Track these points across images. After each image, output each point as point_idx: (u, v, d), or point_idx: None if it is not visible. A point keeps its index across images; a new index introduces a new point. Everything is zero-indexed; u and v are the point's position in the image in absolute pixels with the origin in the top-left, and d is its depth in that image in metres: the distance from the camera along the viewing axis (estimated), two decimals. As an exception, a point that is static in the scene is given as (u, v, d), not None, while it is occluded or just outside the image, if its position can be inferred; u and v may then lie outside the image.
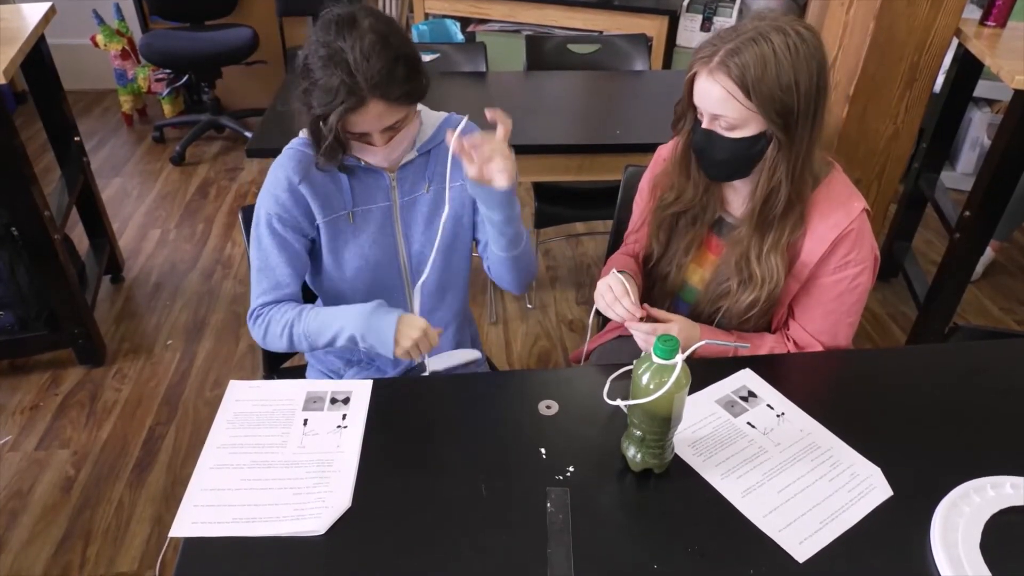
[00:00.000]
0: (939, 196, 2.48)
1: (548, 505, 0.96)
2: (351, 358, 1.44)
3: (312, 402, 1.13)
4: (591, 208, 2.49)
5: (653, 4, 3.47)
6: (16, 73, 1.99)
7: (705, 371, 1.17)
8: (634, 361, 0.98)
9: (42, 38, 2.24)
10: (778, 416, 1.11)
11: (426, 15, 3.61)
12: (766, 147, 1.13)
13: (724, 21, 3.61)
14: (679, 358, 0.92)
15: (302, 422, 1.09)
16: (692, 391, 1.02)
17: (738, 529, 0.94)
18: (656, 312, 1.26)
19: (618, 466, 1.02)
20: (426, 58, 2.38)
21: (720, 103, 1.10)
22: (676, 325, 1.25)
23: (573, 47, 2.68)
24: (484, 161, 1.13)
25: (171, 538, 0.91)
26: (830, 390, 1.24)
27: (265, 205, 1.25)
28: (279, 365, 1.61)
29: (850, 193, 1.21)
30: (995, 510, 0.96)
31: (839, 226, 1.18)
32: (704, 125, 1.16)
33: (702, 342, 1.11)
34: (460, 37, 3.16)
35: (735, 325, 1.31)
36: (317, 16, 1.11)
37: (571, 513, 0.95)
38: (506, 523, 0.94)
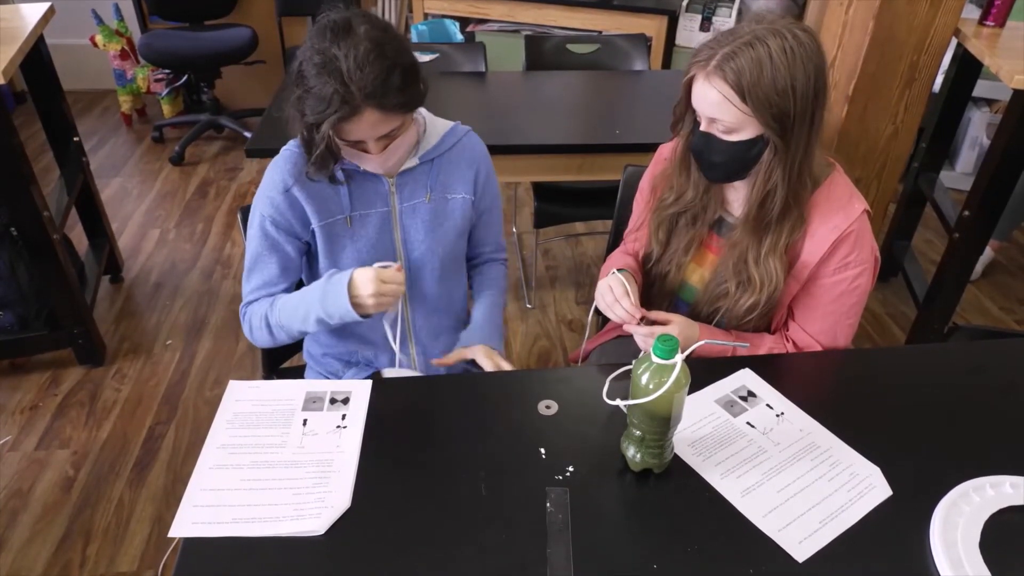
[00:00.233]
0: (938, 195, 2.48)
1: (548, 505, 0.96)
2: (350, 359, 1.44)
3: (312, 402, 1.13)
4: (591, 208, 2.48)
5: (652, 4, 3.47)
6: (15, 73, 1.99)
7: (704, 371, 1.17)
8: (633, 361, 0.98)
9: (41, 38, 2.24)
10: (777, 416, 1.11)
11: (425, 15, 3.61)
12: (763, 150, 1.13)
13: (723, 21, 3.61)
14: (678, 358, 0.92)
15: (302, 422, 1.09)
16: (691, 391, 1.02)
17: (738, 529, 0.94)
18: (655, 315, 1.26)
19: (618, 466, 1.02)
20: (425, 58, 2.38)
21: (716, 107, 1.10)
22: (676, 326, 1.25)
23: (572, 47, 2.68)
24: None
25: (172, 540, 0.91)
26: (829, 390, 1.24)
27: (260, 206, 1.25)
28: (278, 365, 1.61)
29: (851, 194, 1.21)
30: (994, 509, 0.96)
31: (839, 227, 1.18)
32: (702, 128, 1.16)
33: (701, 342, 1.11)
34: (459, 37, 3.16)
35: (735, 327, 1.31)
36: (316, 16, 1.11)
37: (571, 513, 0.95)
38: (506, 523, 0.94)
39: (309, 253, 1.32)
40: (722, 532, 0.93)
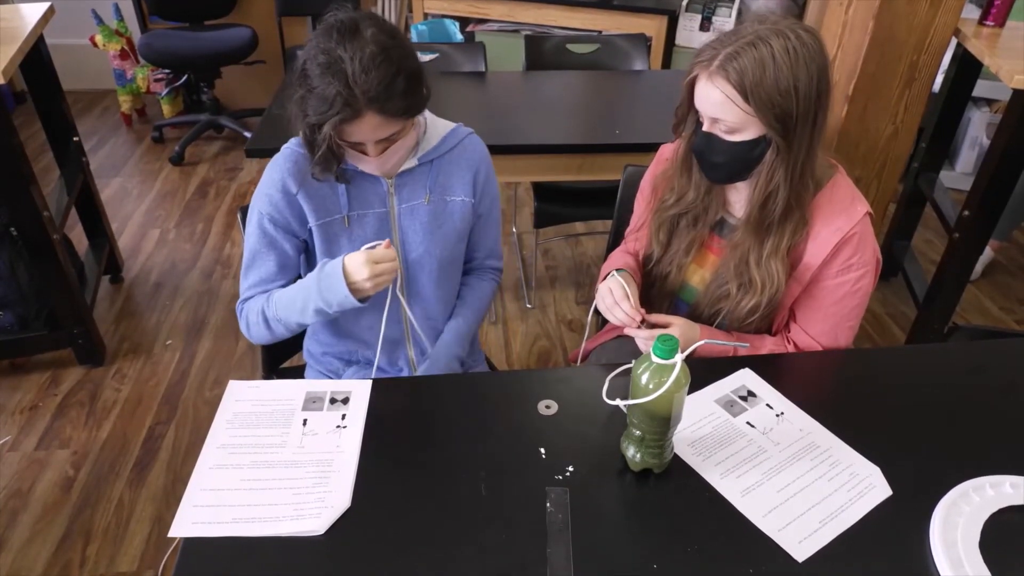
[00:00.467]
0: (938, 195, 2.48)
1: (548, 505, 0.96)
2: (350, 358, 1.44)
3: (311, 402, 1.13)
4: (590, 208, 2.48)
5: (652, 4, 3.47)
6: (15, 73, 1.99)
7: (704, 371, 1.17)
8: (633, 361, 0.98)
9: (41, 38, 2.24)
10: (777, 416, 1.11)
11: (425, 15, 3.60)
12: (766, 150, 1.13)
13: (723, 21, 3.61)
14: (678, 358, 0.92)
15: (301, 422, 1.09)
16: (691, 391, 1.02)
17: (737, 529, 0.94)
18: (655, 317, 1.26)
19: (618, 466, 1.02)
20: (425, 58, 2.38)
21: (719, 107, 1.10)
22: (677, 328, 1.25)
23: (572, 47, 2.68)
24: None
25: (172, 540, 0.91)
26: (829, 390, 1.24)
27: (258, 203, 1.25)
28: (279, 365, 1.61)
29: (853, 197, 1.21)
30: (994, 509, 0.96)
31: (842, 230, 1.18)
32: (704, 128, 1.16)
33: (701, 342, 1.11)
34: (459, 37, 3.16)
35: (736, 328, 1.31)
36: (316, 16, 1.11)
37: (571, 513, 0.95)
38: (506, 523, 0.94)
39: (307, 251, 1.32)
40: (722, 532, 0.93)
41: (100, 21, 3.69)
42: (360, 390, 1.15)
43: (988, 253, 2.88)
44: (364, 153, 1.16)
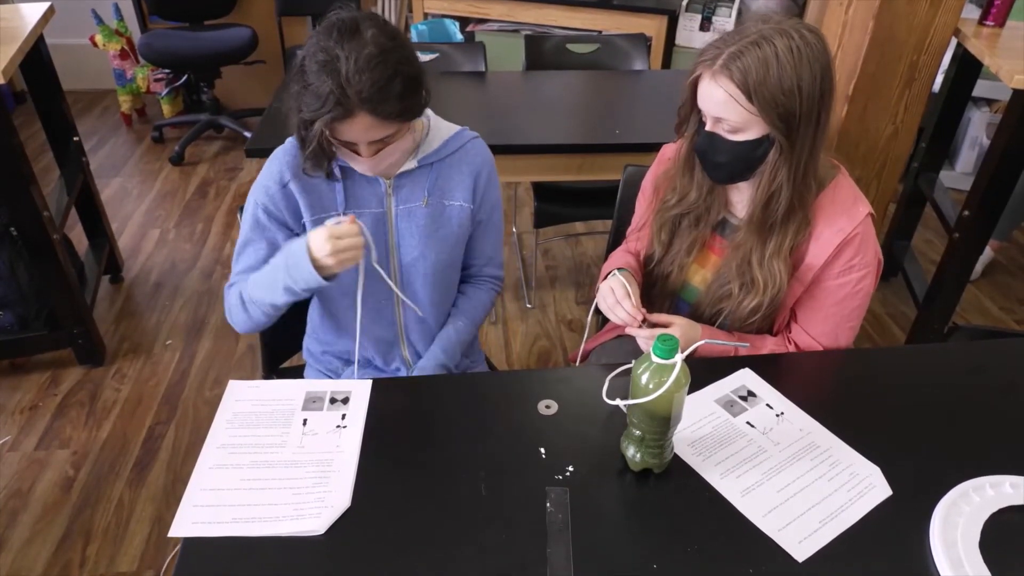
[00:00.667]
0: (938, 195, 2.48)
1: (548, 505, 0.96)
2: (349, 358, 1.43)
3: (311, 402, 1.13)
4: (591, 208, 2.48)
5: (652, 4, 3.47)
6: (15, 73, 1.99)
7: (704, 371, 1.17)
8: (633, 361, 0.98)
9: (41, 38, 2.24)
10: (777, 416, 1.11)
11: (425, 15, 3.60)
12: (768, 150, 1.13)
13: (723, 21, 3.61)
14: (678, 358, 0.92)
15: (301, 422, 1.09)
16: (691, 391, 1.02)
17: (737, 528, 0.94)
18: (656, 317, 1.26)
19: (618, 466, 1.02)
20: (425, 58, 2.38)
21: (722, 106, 1.10)
22: (678, 328, 1.25)
23: (572, 47, 2.68)
24: None
25: (172, 540, 0.91)
26: (829, 390, 1.24)
27: (255, 194, 1.26)
28: (279, 365, 1.61)
29: (855, 197, 1.21)
30: (994, 509, 0.96)
31: (844, 231, 1.18)
32: (707, 128, 1.16)
33: (701, 341, 1.11)
34: (459, 37, 3.16)
35: (737, 328, 1.31)
36: (317, 16, 1.11)
37: (571, 513, 0.95)
38: (506, 523, 0.94)
39: None
40: (722, 532, 0.93)
41: (100, 21, 3.69)
42: (360, 390, 1.15)
43: (988, 253, 2.88)
44: (357, 153, 1.16)
